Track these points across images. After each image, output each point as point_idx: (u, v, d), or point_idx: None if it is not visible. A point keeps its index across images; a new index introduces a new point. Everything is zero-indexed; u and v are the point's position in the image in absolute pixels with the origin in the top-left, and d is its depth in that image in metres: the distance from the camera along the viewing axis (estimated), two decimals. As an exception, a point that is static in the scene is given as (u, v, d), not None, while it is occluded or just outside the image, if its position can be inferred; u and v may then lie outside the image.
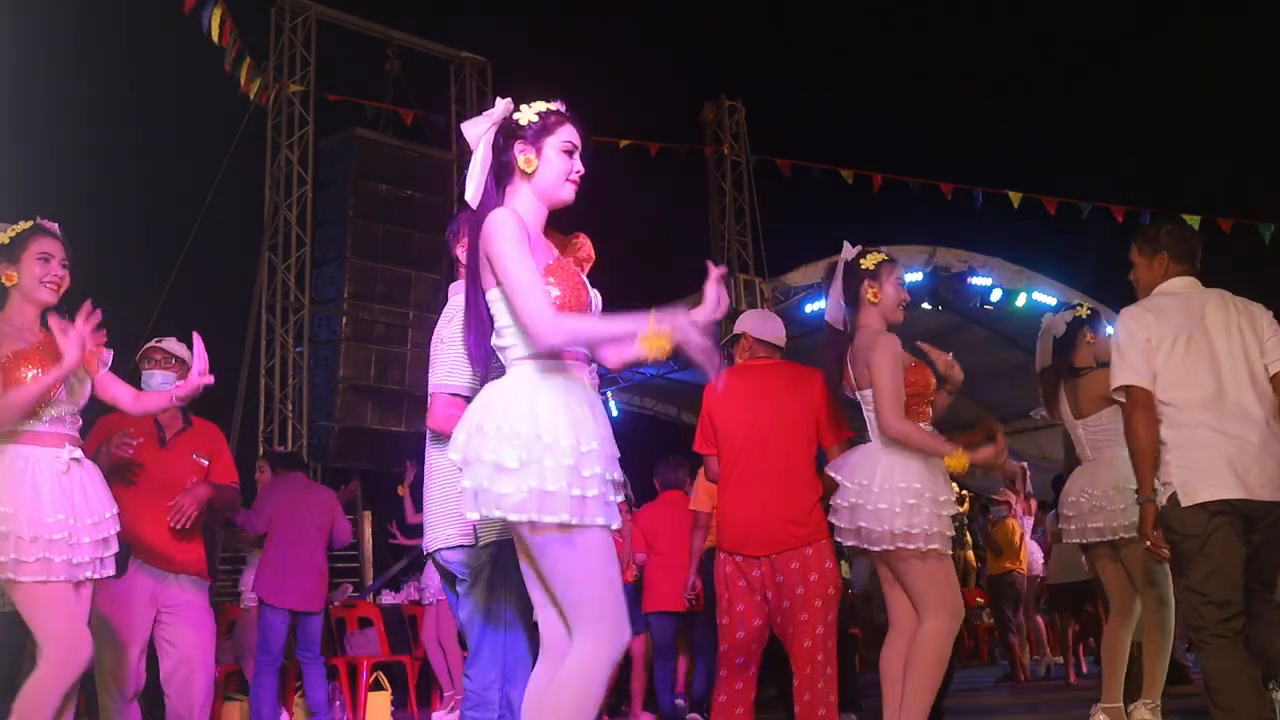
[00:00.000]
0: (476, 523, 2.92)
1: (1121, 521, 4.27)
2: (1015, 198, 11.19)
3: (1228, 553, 3.20)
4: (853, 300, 3.86)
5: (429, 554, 3.18)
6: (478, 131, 2.59)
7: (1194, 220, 10.92)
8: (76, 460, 3.39)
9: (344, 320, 11.79)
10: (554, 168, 2.58)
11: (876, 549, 3.67)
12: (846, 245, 3.92)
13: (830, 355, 3.88)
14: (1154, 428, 3.35)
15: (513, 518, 2.39)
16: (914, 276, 11.27)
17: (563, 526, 2.39)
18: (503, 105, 2.60)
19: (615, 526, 2.48)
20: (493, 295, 2.52)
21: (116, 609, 4.17)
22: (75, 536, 3.30)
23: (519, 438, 2.38)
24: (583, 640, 2.42)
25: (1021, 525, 8.68)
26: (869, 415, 3.77)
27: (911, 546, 3.60)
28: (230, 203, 11.47)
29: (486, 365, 2.63)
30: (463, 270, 3.24)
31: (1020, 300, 11.91)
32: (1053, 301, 12.22)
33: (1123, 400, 3.45)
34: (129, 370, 4.24)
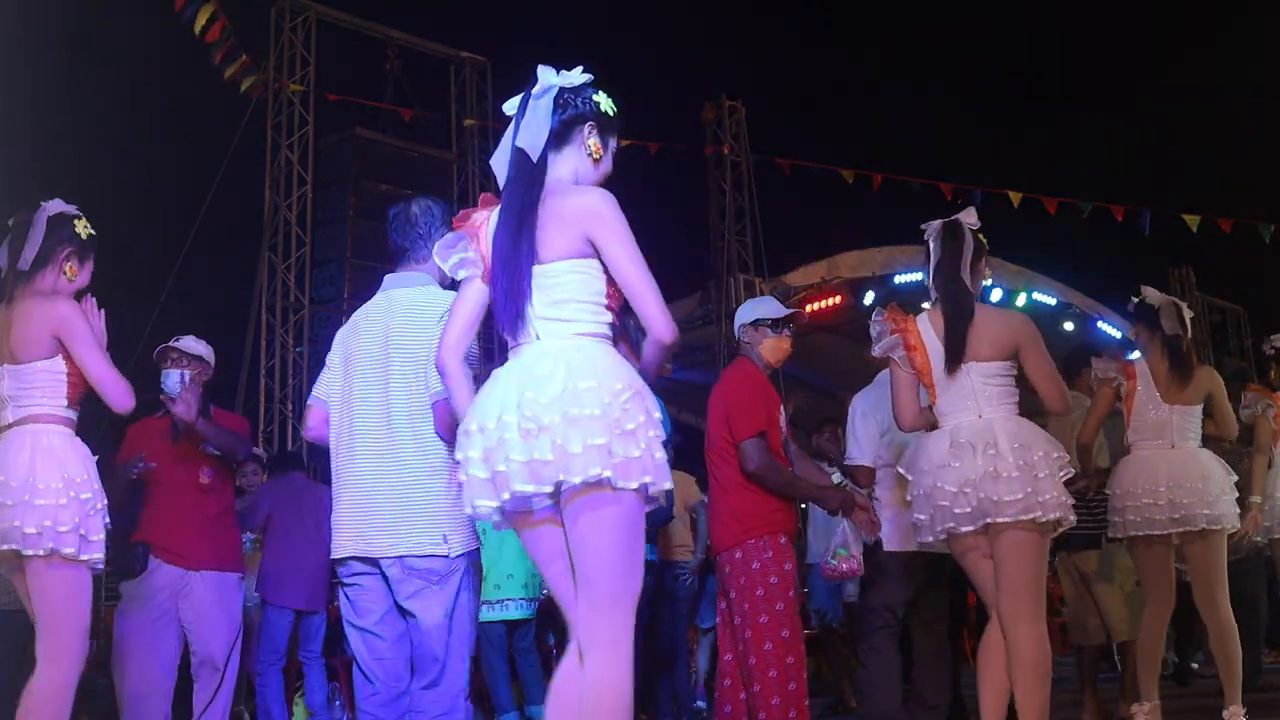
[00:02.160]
0: (448, 533, 2.88)
1: (1224, 509, 4.31)
2: (1015, 198, 11.19)
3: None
4: (974, 269, 3.64)
5: (387, 559, 2.96)
6: (550, 80, 2.51)
7: (1193, 220, 10.93)
8: None
9: (344, 320, 11.77)
10: (605, 168, 2.58)
11: (1005, 518, 3.35)
12: (973, 210, 3.70)
13: (956, 322, 3.54)
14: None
15: (620, 483, 2.30)
16: (915, 276, 11.27)
17: (640, 492, 2.36)
18: (583, 75, 2.54)
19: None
20: (562, 267, 2.43)
21: (138, 605, 4.21)
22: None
23: (634, 400, 2.34)
24: (620, 614, 2.34)
25: None
26: (977, 387, 3.46)
27: (1042, 517, 3.34)
28: (230, 203, 11.47)
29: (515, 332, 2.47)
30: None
31: (1020, 300, 11.92)
32: (1053, 302, 12.24)
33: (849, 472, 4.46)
34: (130, 369, 4.22)
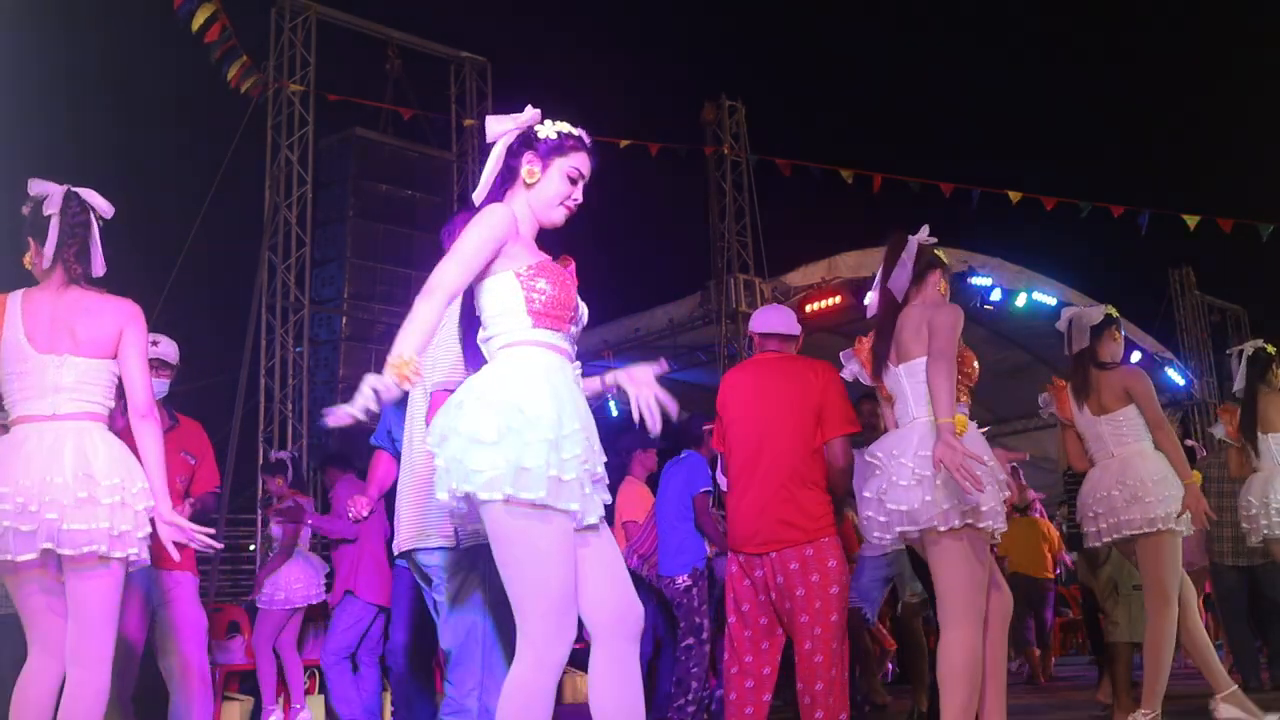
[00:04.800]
0: (459, 525, 2.85)
1: (1159, 512, 4.22)
2: (1015, 197, 11.17)
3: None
4: (919, 280, 3.63)
5: (401, 553, 3.07)
6: (499, 129, 2.62)
7: (1193, 220, 10.91)
8: None
9: (344, 320, 11.78)
10: (553, 187, 2.61)
11: (909, 527, 3.35)
12: (926, 228, 3.68)
13: (883, 327, 3.57)
14: None
15: (483, 495, 2.32)
16: (914, 276, 11.26)
17: (535, 506, 2.32)
18: (531, 114, 2.63)
19: (590, 521, 2.42)
20: (481, 286, 2.55)
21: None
22: None
23: (498, 408, 2.34)
24: (522, 644, 2.34)
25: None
26: (908, 388, 3.46)
27: (942, 526, 3.28)
28: (230, 203, 11.46)
29: (479, 361, 2.61)
30: None
31: (1020, 300, 11.90)
32: (1053, 302, 12.22)
33: None
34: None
